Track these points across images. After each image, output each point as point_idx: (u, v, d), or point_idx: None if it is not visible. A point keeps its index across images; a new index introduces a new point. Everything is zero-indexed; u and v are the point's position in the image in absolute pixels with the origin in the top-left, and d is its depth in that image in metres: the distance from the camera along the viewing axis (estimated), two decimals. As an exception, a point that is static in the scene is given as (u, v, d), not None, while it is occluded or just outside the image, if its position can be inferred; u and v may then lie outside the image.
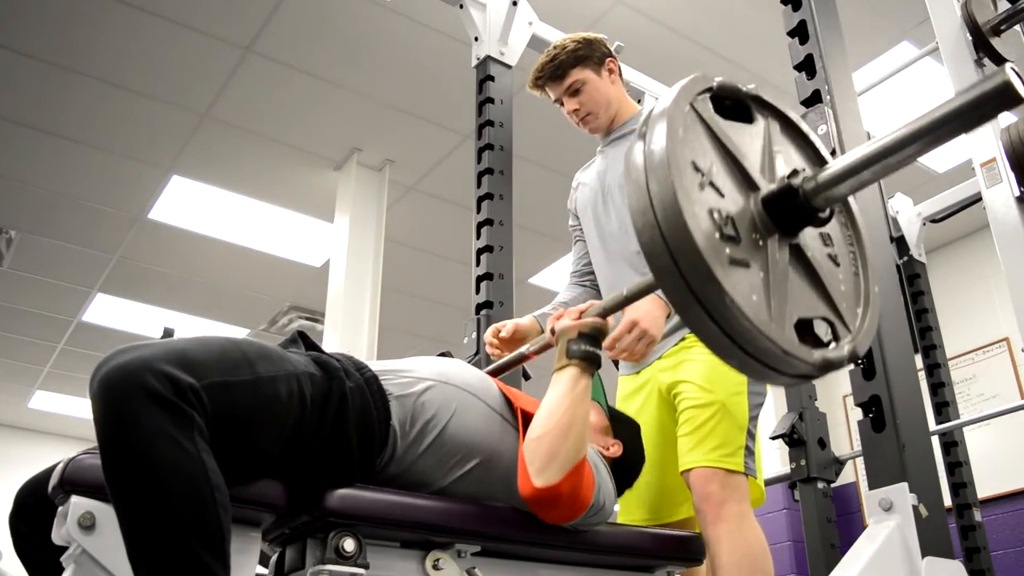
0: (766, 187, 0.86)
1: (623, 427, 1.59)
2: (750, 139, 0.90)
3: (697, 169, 0.81)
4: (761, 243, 0.84)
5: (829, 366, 0.84)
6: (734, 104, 0.92)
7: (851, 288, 0.93)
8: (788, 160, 0.92)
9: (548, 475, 1.25)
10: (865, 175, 0.83)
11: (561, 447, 1.27)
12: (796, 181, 0.85)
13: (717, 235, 0.79)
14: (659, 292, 1.69)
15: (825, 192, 0.84)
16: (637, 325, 1.64)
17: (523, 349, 1.63)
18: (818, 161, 0.96)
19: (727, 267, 0.77)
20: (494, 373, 1.70)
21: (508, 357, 1.71)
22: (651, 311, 1.66)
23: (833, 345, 0.86)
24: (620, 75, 2.09)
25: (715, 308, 0.76)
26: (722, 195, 0.83)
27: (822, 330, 0.87)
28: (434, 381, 1.33)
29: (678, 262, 0.76)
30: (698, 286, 0.76)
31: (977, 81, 0.74)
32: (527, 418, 1.36)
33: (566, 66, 2.00)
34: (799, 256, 0.88)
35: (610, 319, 1.41)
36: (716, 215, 0.80)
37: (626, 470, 1.54)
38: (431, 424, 1.29)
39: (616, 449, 1.52)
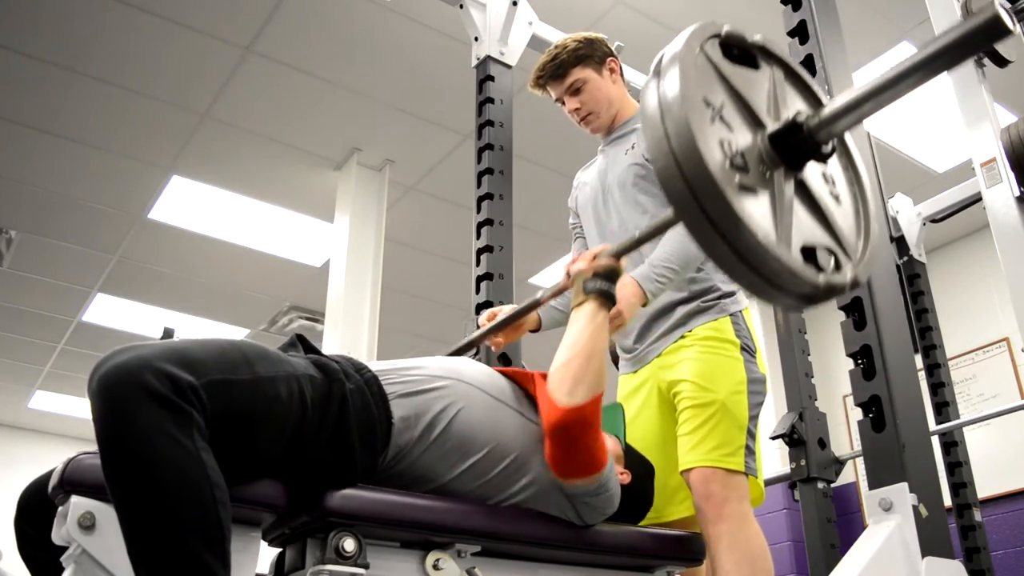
0: (772, 125, 0.92)
1: (635, 462, 1.60)
2: (756, 84, 0.96)
3: (708, 104, 0.87)
4: (768, 175, 0.90)
5: (833, 290, 0.89)
6: (741, 52, 0.97)
7: (852, 223, 0.99)
8: (791, 105, 0.99)
9: (577, 396, 1.30)
10: (865, 108, 0.88)
11: (586, 371, 1.33)
12: (800, 118, 0.91)
13: (727, 163, 0.84)
14: (638, 279, 1.70)
15: (828, 127, 0.90)
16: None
17: (538, 295, 1.67)
18: (817, 105, 1.02)
19: (738, 192, 0.83)
20: (509, 321, 1.73)
21: (523, 305, 1.72)
22: (628, 296, 1.66)
23: (835, 271, 0.92)
24: (621, 75, 2.09)
25: (727, 228, 0.81)
26: (731, 130, 0.88)
27: (824, 259, 0.92)
28: (440, 377, 1.34)
29: (692, 187, 0.82)
30: (711, 208, 0.81)
31: (968, 16, 0.80)
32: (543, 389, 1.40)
33: (567, 65, 2.00)
34: (803, 190, 0.94)
35: (623, 260, 1.47)
36: (726, 146, 0.86)
37: (630, 502, 1.53)
38: (438, 419, 1.29)
39: (625, 477, 1.52)
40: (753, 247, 0.82)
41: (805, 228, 0.91)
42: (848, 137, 1.04)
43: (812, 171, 0.96)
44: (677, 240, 1.74)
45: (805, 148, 0.91)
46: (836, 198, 0.99)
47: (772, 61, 1.00)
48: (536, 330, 2.01)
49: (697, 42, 0.90)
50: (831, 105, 0.91)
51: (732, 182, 0.83)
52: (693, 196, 0.82)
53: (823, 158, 0.93)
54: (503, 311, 1.91)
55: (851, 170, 1.04)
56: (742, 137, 0.89)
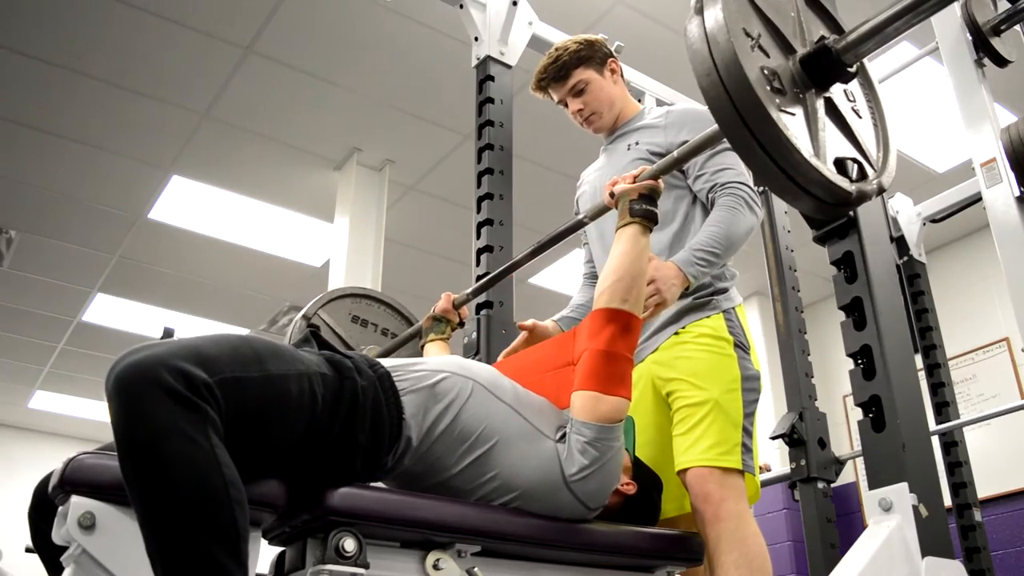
0: (802, 49, 1.03)
1: (643, 475, 1.58)
2: (783, 11, 1.06)
3: (747, 34, 0.97)
4: (801, 96, 1.01)
5: (864, 196, 1.01)
6: None
7: (872, 135, 1.11)
8: (813, 29, 1.09)
9: (628, 305, 1.42)
10: (888, 31, 0.99)
11: (636, 285, 1.44)
12: (828, 43, 1.02)
13: (768, 87, 0.95)
14: (679, 263, 1.72)
15: (852, 51, 1.01)
16: (654, 283, 1.64)
17: (580, 216, 1.75)
18: (837, 29, 1.13)
19: (779, 112, 0.94)
20: (553, 241, 1.84)
21: (568, 223, 1.81)
22: (670, 277, 1.67)
23: (863, 181, 1.03)
24: (622, 75, 2.11)
25: (772, 145, 0.92)
26: (768, 56, 0.99)
27: (851, 169, 1.03)
28: (447, 372, 1.35)
29: (740, 110, 0.92)
30: (758, 128, 0.92)
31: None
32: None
33: (569, 67, 2.01)
34: (831, 107, 1.05)
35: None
36: (766, 71, 0.96)
37: (636, 512, 1.53)
38: (445, 411, 1.31)
39: (631, 488, 1.51)
40: (797, 162, 0.92)
41: (835, 142, 1.03)
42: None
43: (837, 90, 1.07)
44: (719, 225, 1.76)
45: (833, 70, 1.02)
46: (857, 114, 1.10)
47: None
48: None
49: None
50: (856, 30, 1.01)
51: (773, 103, 0.93)
52: (741, 118, 0.92)
53: (848, 78, 1.04)
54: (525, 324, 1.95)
55: (868, 88, 1.16)
56: (777, 61, 1.00)
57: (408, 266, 5.48)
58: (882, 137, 1.12)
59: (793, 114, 0.97)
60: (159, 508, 0.95)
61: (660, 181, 1.54)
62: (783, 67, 1.00)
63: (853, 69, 1.03)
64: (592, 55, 2.02)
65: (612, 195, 1.57)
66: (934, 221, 4.14)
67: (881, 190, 1.05)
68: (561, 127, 3.77)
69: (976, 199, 3.49)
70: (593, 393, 1.37)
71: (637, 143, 1.97)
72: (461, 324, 2.09)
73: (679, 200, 1.91)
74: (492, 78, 2.71)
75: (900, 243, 4.09)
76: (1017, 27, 2.60)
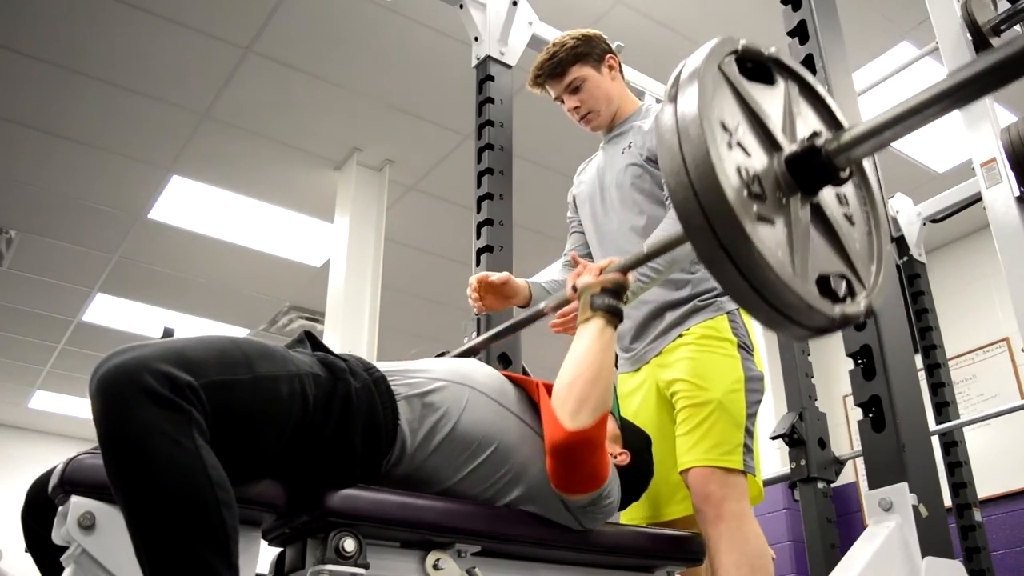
0: (789, 147, 0.90)
1: (633, 437, 1.59)
2: (771, 101, 0.94)
3: (725, 129, 0.85)
4: (784, 201, 0.88)
5: (847, 320, 0.88)
6: (756, 66, 0.95)
7: (865, 246, 0.98)
8: (806, 122, 0.97)
9: (581, 418, 1.27)
10: (886, 135, 0.86)
11: (592, 391, 1.30)
12: (819, 142, 0.88)
13: (745, 192, 0.82)
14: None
15: (846, 152, 0.88)
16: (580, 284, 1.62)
17: (540, 305, 1.65)
18: (834, 123, 1.01)
19: (755, 223, 0.81)
20: (511, 329, 1.73)
21: (524, 315, 1.71)
22: (605, 278, 1.66)
23: (850, 300, 0.91)
24: (620, 71, 2.08)
25: (744, 262, 0.80)
26: (748, 154, 0.87)
27: (839, 287, 0.91)
28: (445, 381, 1.33)
29: (710, 219, 0.80)
30: (729, 241, 0.80)
31: (1003, 43, 0.78)
32: (549, 391, 1.38)
33: (566, 64, 1.99)
34: (819, 214, 0.92)
35: (630, 275, 1.45)
36: (744, 173, 0.84)
37: (633, 480, 1.53)
38: (441, 423, 1.29)
39: (624, 458, 1.52)
40: (771, 282, 0.80)
41: (820, 256, 0.90)
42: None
43: (827, 193, 0.94)
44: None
45: (823, 173, 0.89)
46: (849, 219, 0.97)
47: (787, 75, 0.98)
48: (525, 305, 2.00)
49: (715, 60, 0.89)
50: (851, 131, 0.88)
51: (750, 213, 0.81)
52: (712, 231, 0.80)
53: (840, 182, 0.90)
54: (500, 275, 1.91)
55: (864, 189, 1.02)
56: (759, 161, 0.87)
57: (408, 266, 5.48)
58: (876, 247, 0.98)
59: (772, 224, 0.84)
60: (144, 510, 0.95)
61: (629, 276, 1.43)
62: (765, 167, 0.87)
63: (846, 173, 0.89)
64: (589, 51, 2.00)
65: (575, 288, 1.46)
66: (934, 221, 4.14)
67: (870, 312, 0.91)
68: (561, 127, 3.76)
69: (976, 199, 3.49)
70: (569, 495, 1.33)
71: (630, 146, 1.95)
72: None
73: (660, 205, 1.90)
74: (492, 78, 2.71)
75: (900, 243, 4.10)
76: (1017, 27, 2.60)
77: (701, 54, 0.88)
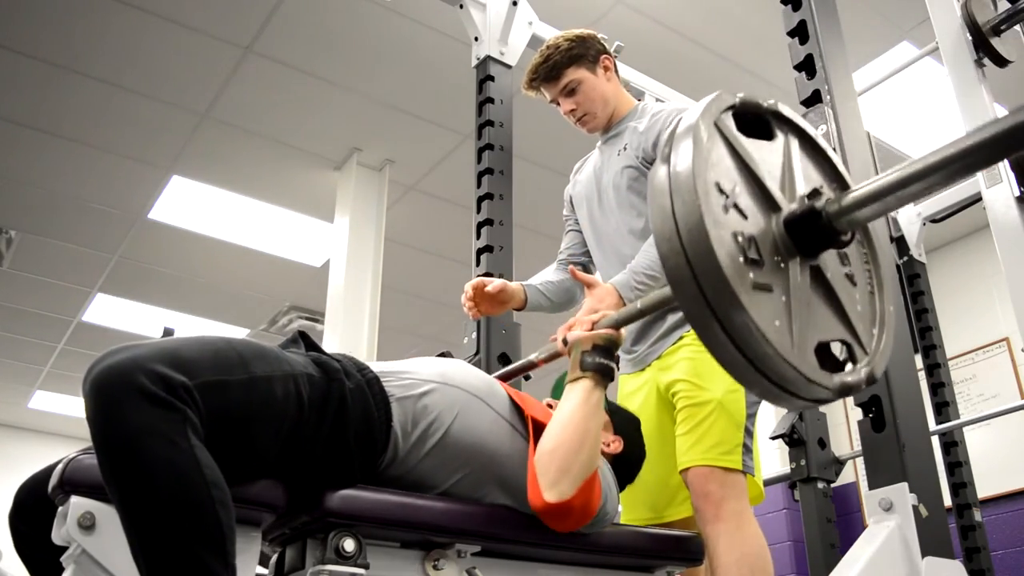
0: (788, 208, 0.86)
1: (623, 422, 1.59)
2: (770, 156, 0.90)
3: (721, 191, 0.81)
4: (783, 265, 0.83)
5: (848, 390, 0.84)
6: (754, 119, 0.91)
7: (867, 308, 0.93)
8: (807, 177, 0.92)
9: (561, 489, 1.25)
10: (890, 200, 0.81)
11: (575, 461, 1.27)
12: (819, 203, 0.84)
13: (741, 259, 0.78)
14: (617, 285, 1.73)
15: (848, 215, 0.83)
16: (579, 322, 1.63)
17: (532, 357, 1.65)
18: (836, 177, 0.96)
19: (751, 292, 0.77)
20: (500, 380, 1.69)
21: (516, 364, 1.72)
22: (608, 305, 1.67)
23: (850, 367, 0.87)
24: (616, 71, 2.06)
25: (739, 335, 0.76)
26: (745, 217, 0.82)
27: (838, 351, 0.87)
28: (437, 383, 1.32)
29: (703, 288, 0.76)
30: (723, 312, 0.76)
31: (1017, 108, 0.70)
32: (538, 428, 1.35)
33: (560, 66, 1.97)
34: (819, 278, 0.88)
35: (623, 331, 1.40)
36: (740, 238, 0.80)
37: (627, 466, 1.54)
38: (433, 427, 1.28)
39: (616, 445, 1.52)
40: (768, 356, 0.77)
41: (820, 322, 0.86)
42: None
43: (828, 253, 0.89)
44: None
45: (823, 236, 0.84)
46: (851, 279, 0.92)
47: (787, 128, 0.95)
48: (520, 308, 2.01)
49: (711, 117, 0.85)
50: (854, 192, 0.83)
51: (746, 282, 0.77)
52: (705, 301, 0.76)
53: (842, 245, 0.86)
54: (494, 283, 1.92)
55: (867, 247, 0.97)
56: (756, 224, 0.83)
57: (408, 266, 5.48)
58: (879, 309, 0.94)
59: (770, 291, 0.80)
60: (139, 511, 0.94)
61: (621, 332, 1.39)
62: (763, 230, 0.83)
63: (848, 236, 0.85)
64: (584, 53, 1.98)
65: (565, 341, 1.42)
66: (934, 221, 4.14)
67: (872, 379, 0.86)
68: (561, 127, 3.76)
69: (976, 199, 3.49)
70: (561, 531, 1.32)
71: (625, 147, 1.95)
72: None
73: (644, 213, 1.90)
74: (492, 78, 2.71)
75: (900, 243, 4.10)
76: (1017, 27, 2.60)
77: (696, 110, 0.85)
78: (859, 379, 0.85)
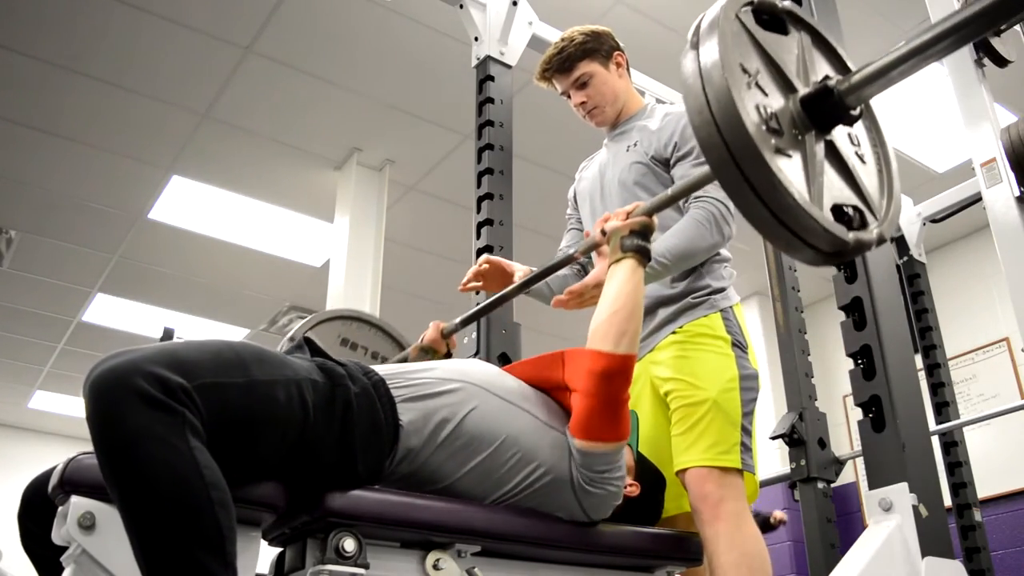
0: (803, 89, 0.98)
1: (646, 474, 1.58)
2: (786, 49, 1.02)
3: (745, 71, 0.93)
4: (800, 138, 0.95)
5: (862, 246, 0.96)
6: (771, 18, 1.02)
7: (876, 182, 1.06)
8: (818, 69, 1.04)
9: (623, 345, 1.35)
10: (894, 75, 0.93)
11: (630, 325, 1.38)
12: (831, 83, 0.96)
13: (764, 127, 0.90)
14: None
15: (857, 92, 0.95)
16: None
17: (571, 251, 1.69)
18: (844, 69, 1.08)
19: (774, 154, 0.89)
20: (538, 277, 1.77)
21: (555, 260, 1.74)
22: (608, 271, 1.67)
23: (863, 229, 0.98)
24: (627, 69, 2.09)
25: (765, 189, 0.87)
26: (766, 95, 0.94)
27: (853, 217, 0.98)
28: (449, 380, 1.34)
29: (732, 151, 0.87)
30: (751, 170, 0.87)
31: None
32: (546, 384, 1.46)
33: (574, 59, 1.99)
34: (832, 151, 1.00)
35: (654, 218, 1.49)
36: (762, 110, 0.91)
37: (638, 513, 1.53)
38: (447, 421, 1.29)
39: (634, 489, 1.51)
40: (789, 206, 0.87)
41: (835, 188, 0.97)
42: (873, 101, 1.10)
43: (840, 133, 1.01)
44: (679, 237, 1.75)
45: (835, 112, 0.96)
46: (861, 158, 1.04)
47: (800, 26, 1.04)
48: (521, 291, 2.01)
49: (733, 9, 0.95)
50: (861, 71, 0.95)
51: (769, 145, 0.88)
52: (733, 160, 0.87)
53: (851, 121, 0.98)
54: (513, 268, 1.95)
55: (875, 131, 1.10)
56: (776, 101, 0.94)
57: (408, 266, 5.48)
58: (887, 183, 1.06)
59: (790, 157, 0.91)
60: (139, 512, 0.95)
61: (654, 218, 1.49)
62: (782, 107, 0.95)
63: (857, 112, 0.97)
64: (598, 47, 2.01)
65: (603, 232, 1.52)
66: (934, 221, 4.14)
67: (882, 240, 0.98)
68: (561, 127, 3.76)
69: (976, 199, 3.49)
70: (592, 442, 1.35)
71: (636, 144, 1.96)
72: (449, 354, 2.02)
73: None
74: (492, 78, 2.71)
75: (900, 243, 4.10)
76: (1017, 27, 2.60)
77: (718, 4, 0.95)
78: (871, 238, 0.96)
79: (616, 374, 1.34)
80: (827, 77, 0.97)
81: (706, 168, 1.47)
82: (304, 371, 1.18)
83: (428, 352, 1.99)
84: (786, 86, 0.97)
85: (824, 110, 0.96)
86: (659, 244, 1.75)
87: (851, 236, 0.93)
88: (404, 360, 2.08)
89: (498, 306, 1.95)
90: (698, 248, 1.75)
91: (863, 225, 0.98)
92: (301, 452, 1.15)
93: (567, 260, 1.71)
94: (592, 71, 2.00)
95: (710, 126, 0.88)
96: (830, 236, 0.90)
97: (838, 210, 0.95)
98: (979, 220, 4.53)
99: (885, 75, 0.93)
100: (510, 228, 2.54)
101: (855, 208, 0.98)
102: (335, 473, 1.19)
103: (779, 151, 0.90)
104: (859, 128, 1.07)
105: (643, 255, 1.46)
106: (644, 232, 1.47)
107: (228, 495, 1.00)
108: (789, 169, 0.89)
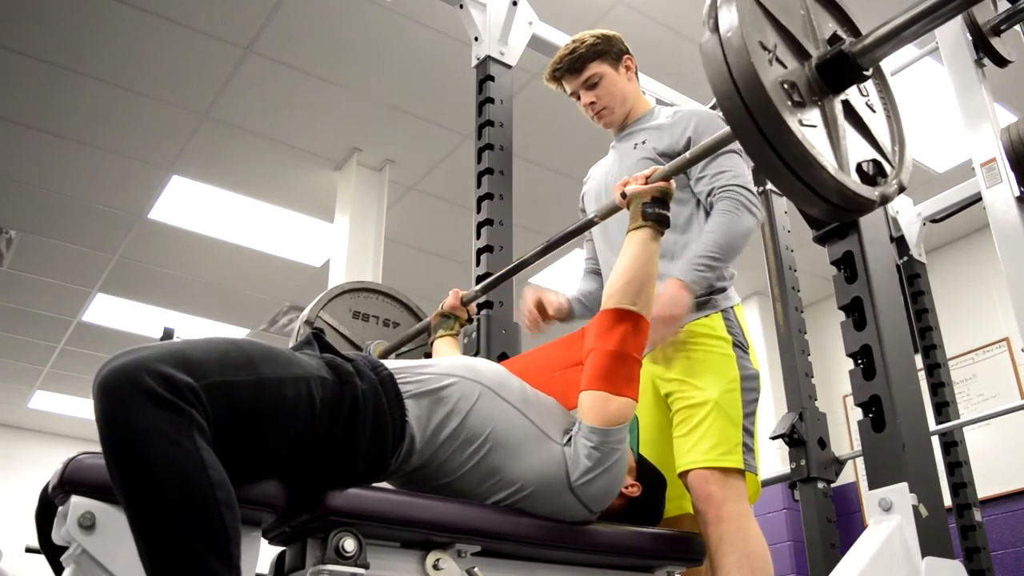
0: (816, 53, 1.02)
1: (647, 474, 1.58)
2: (794, 12, 1.05)
3: (764, 47, 0.96)
4: (819, 102, 1.00)
5: (887, 199, 1.01)
6: None
7: (886, 129, 1.11)
8: (825, 24, 1.09)
9: (640, 304, 1.43)
10: (906, 34, 0.98)
11: (646, 289, 1.44)
12: (844, 47, 1.01)
13: (788, 101, 0.94)
14: (677, 274, 1.74)
15: (870, 53, 1.00)
16: (661, 319, 1.65)
17: (591, 215, 1.73)
18: (847, 22, 1.13)
19: (801, 127, 0.93)
20: (563, 241, 1.81)
21: (576, 224, 1.78)
22: (672, 295, 1.69)
23: (882, 181, 1.03)
24: (636, 73, 2.12)
25: (799, 163, 0.92)
26: (785, 66, 0.98)
27: (872, 170, 1.04)
28: (455, 376, 1.35)
29: (764, 130, 0.91)
30: (784, 148, 0.91)
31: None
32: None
33: (585, 59, 2.02)
34: (848, 109, 1.04)
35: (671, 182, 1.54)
36: (785, 85, 0.95)
37: (639, 514, 1.53)
38: (451, 417, 1.30)
39: (635, 490, 1.51)
40: (823, 178, 0.92)
41: (855, 146, 1.01)
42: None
43: (851, 88, 1.06)
44: (716, 230, 1.77)
45: (850, 74, 1.01)
46: (871, 108, 1.10)
47: None
48: (564, 320, 2.04)
49: None
50: (875, 33, 0.99)
51: (796, 118, 0.93)
52: (767, 142, 0.90)
53: (864, 79, 1.03)
54: (558, 304, 2.02)
55: (881, 81, 1.15)
56: (794, 71, 0.99)
57: (408, 266, 5.48)
58: (896, 131, 1.12)
59: (814, 125, 0.96)
60: (145, 512, 0.95)
61: (672, 182, 1.53)
62: (799, 74, 0.99)
63: (869, 71, 1.02)
64: (608, 50, 2.04)
65: (624, 195, 1.56)
66: (934, 221, 4.13)
67: (901, 188, 1.04)
68: (561, 127, 3.77)
69: (976, 199, 3.48)
70: (601, 393, 1.37)
71: (644, 142, 1.97)
72: (470, 320, 2.10)
73: (683, 204, 1.90)
74: (492, 78, 2.71)
75: (900, 243, 4.09)
76: (1017, 27, 2.60)
77: None
78: (893, 188, 1.03)
79: (629, 326, 1.39)
80: (835, 36, 1.01)
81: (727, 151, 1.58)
82: (313, 368, 1.18)
83: (449, 318, 2.03)
84: (800, 53, 1.00)
85: (839, 73, 1.00)
86: (701, 245, 1.76)
87: (876, 193, 0.97)
88: (426, 328, 2.13)
89: (519, 271, 2.00)
90: (737, 234, 1.78)
91: (881, 174, 1.02)
92: (306, 448, 1.15)
93: (588, 224, 1.76)
94: (602, 72, 2.03)
95: (739, 109, 0.92)
96: (860, 199, 0.95)
97: (860, 169, 1.00)
98: (979, 220, 4.53)
99: (898, 35, 0.97)
100: (510, 228, 2.53)
101: (874, 162, 1.03)
102: (336, 470, 1.19)
103: (803, 122, 0.94)
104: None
105: (661, 223, 1.50)
106: (663, 199, 1.51)
107: (233, 496, 1.00)
108: (815, 139, 0.93)
